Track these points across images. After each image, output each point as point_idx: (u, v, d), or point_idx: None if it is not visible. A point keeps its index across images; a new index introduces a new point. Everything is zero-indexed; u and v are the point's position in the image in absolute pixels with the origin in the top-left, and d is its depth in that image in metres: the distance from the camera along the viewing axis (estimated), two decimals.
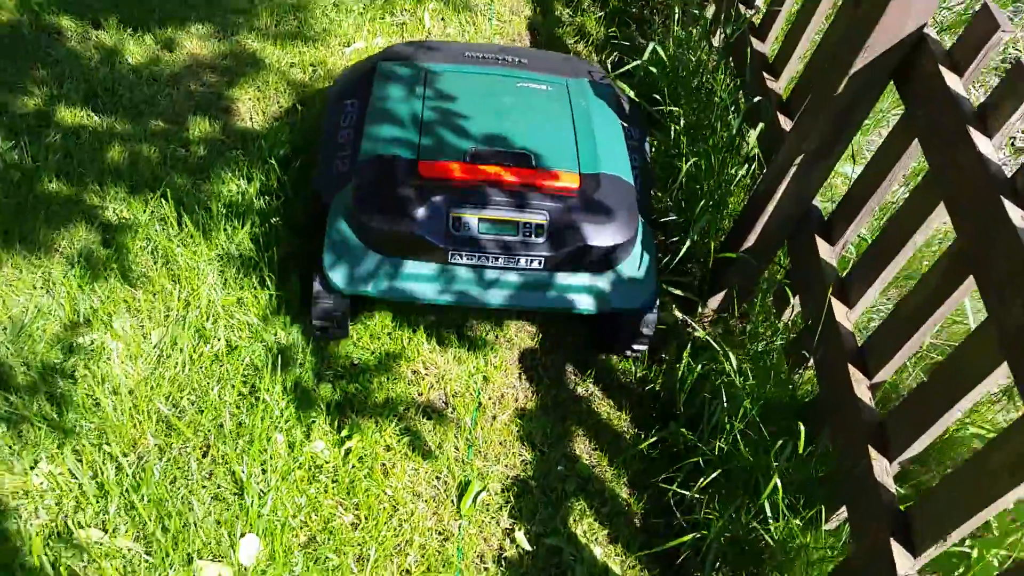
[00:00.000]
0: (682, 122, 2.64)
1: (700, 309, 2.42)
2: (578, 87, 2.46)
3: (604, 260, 2.11)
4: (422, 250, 2.04)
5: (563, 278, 2.12)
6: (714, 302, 2.43)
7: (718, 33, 3.01)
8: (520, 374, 2.32)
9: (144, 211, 2.51)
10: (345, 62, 3.18)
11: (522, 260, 2.06)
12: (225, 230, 2.45)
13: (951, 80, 1.65)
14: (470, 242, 2.03)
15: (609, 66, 3.33)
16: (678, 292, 2.37)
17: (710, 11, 3.20)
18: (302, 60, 3.16)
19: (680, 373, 2.16)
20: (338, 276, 2.06)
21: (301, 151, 2.74)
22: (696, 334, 2.22)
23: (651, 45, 2.55)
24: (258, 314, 2.29)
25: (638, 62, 2.58)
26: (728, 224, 2.49)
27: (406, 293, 2.08)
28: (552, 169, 2.13)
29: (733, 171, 2.54)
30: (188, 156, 2.74)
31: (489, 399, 2.25)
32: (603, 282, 2.14)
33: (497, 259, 2.05)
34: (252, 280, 2.34)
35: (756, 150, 2.37)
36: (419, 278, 2.08)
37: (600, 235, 2.07)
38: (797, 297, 2.16)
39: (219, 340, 2.23)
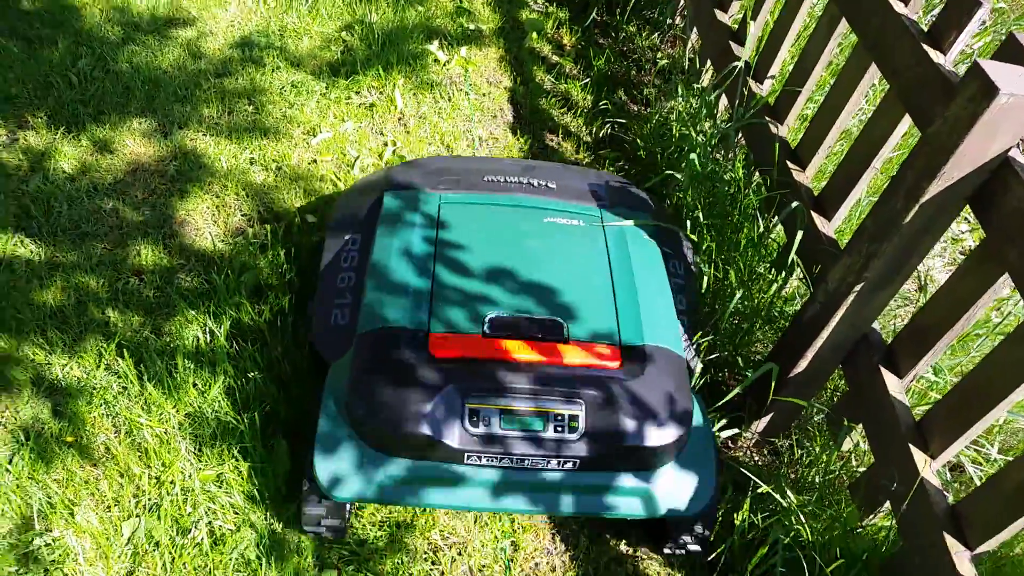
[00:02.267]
0: (701, 218, 2.39)
1: (744, 431, 2.18)
2: (614, 219, 2.12)
3: (652, 459, 1.74)
4: (432, 451, 1.69)
5: (601, 479, 1.75)
6: (759, 424, 2.18)
7: (717, 99, 2.77)
8: (553, 535, 2.04)
9: (97, 366, 2.17)
10: (312, 155, 2.85)
11: (552, 461, 1.70)
12: (195, 385, 2.13)
13: None
14: (490, 440, 1.68)
15: (600, 137, 3.07)
16: (723, 430, 2.11)
17: (706, 78, 2.96)
18: (263, 156, 2.83)
19: (739, 526, 1.91)
20: (331, 480, 1.72)
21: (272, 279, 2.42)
22: (746, 469, 1.96)
23: (692, 156, 2.27)
24: (243, 491, 1.97)
25: (657, 178, 2.31)
26: (765, 333, 2.26)
27: (413, 501, 1.75)
28: (588, 342, 1.79)
29: (761, 270, 2.30)
30: (142, 288, 2.39)
31: (521, 571, 1.96)
32: (650, 483, 1.76)
33: (522, 461, 1.70)
34: (232, 448, 2.02)
35: (795, 257, 2.12)
36: (428, 483, 1.75)
37: (647, 430, 1.69)
38: (865, 435, 1.91)
39: (201, 529, 1.90)
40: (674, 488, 1.78)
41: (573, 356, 1.76)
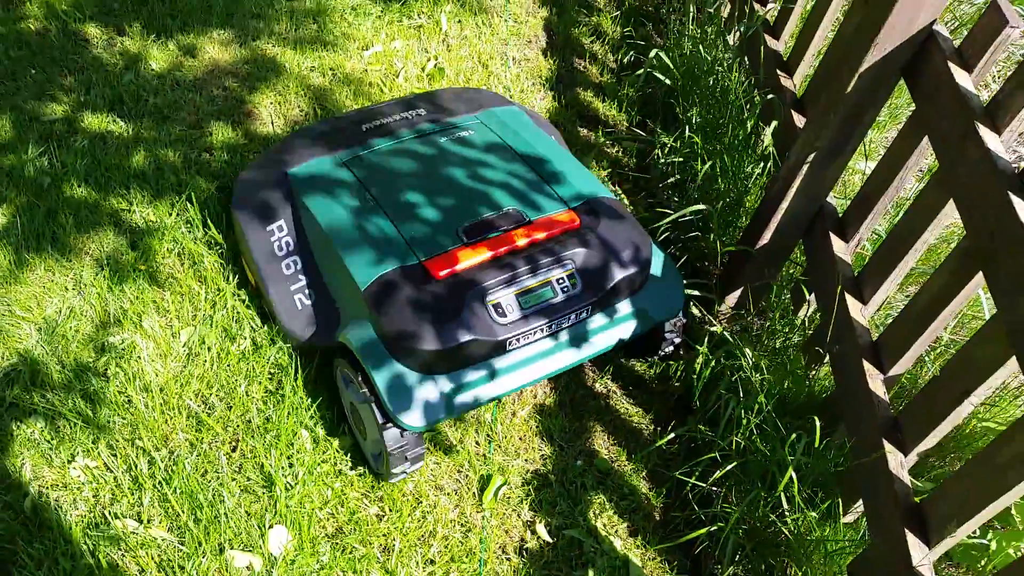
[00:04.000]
0: (695, 120, 2.67)
1: (717, 307, 2.46)
2: (492, 120, 2.42)
3: (638, 280, 2.09)
4: (481, 351, 1.90)
5: (609, 314, 2.08)
6: (731, 299, 2.46)
7: (733, 32, 3.04)
8: None
9: (170, 214, 2.58)
10: (364, 65, 3.23)
11: (572, 316, 1.98)
12: None
13: (960, 76, 1.68)
14: (519, 322, 1.91)
15: (624, 64, 3.37)
16: (695, 292, 2.40)
17: (725, 10, 3.23)
18: (321, 64, 3.22)
19: (697, 369, 2.19)
20: (413, 417, 1.84)
21: None
22: (713, 330, 2.25)
23: (653, 52, 2.58)
24: None
25: (641, 70, 2.61)
26: (745, 222, 2.53)
27: (485, 399, 1.93)
28: (545, 215, 2.07)
29: (749, 169, 2.57)
30: (211, 160, 2.80)
31: (508, 396, 2.29)
32: (643, 301, 2.13)
33: (550, 326, 1.96)
34: None
35: (771, 148, 2.39)
36: (489, 378, 1.94)
37: (626, 260, 2.05)
38: (813, 294, 2.18)
39: (245, 339, 2.28)
40: (658, 297, 2.15)
41: (542, 231, 2.03)
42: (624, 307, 2.11)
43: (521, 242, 2.00)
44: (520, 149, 2.29)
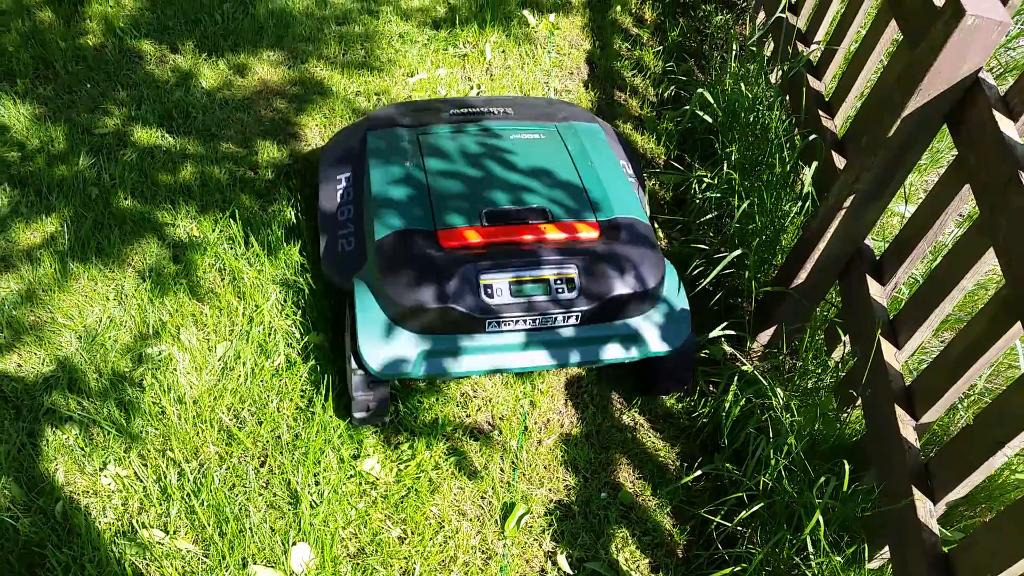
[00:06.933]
0: (734, 157, 2.68)
1: (749, 344, 2.44)
2: (568, 131, 2.50)
3: (638, 305, 2.10)
4: (459, 323, 1.99)
5: (601, 330, 2.09)
6: (763, 337, 2.44)
7: (776, 70, 3.05)
8: (566, 401, 2.36)
9: (213, 230, 2.63)
10: (408, 91, 3.29)
11: (559, 318, 2.02)
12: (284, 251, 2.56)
13: (1004, 125, 1.67)
14: (505, 308, 1.98)
15: (664, 98, 3.39)
16: (729, 332, 2.38)
17: (768, 48, 3.24)
18: (367, 89, 3.28)
19: (726, 406, 2.18)
20: (377, 361, 1.98)
21: None
22: (743, 368, 2.23)
23: (699, 91, 2.59)
24: (316, 332, 2.38)
25: (685, 107, 2.62)
26: (780, 260, 2.51)
27: (448, 370, 2.02)
28: (569, 220, 2.14)
29: (786, 207, 2.56)
30: (256, 179, 2.86)
31: (535, 424, 2.29)
32: (640, 327, 2.13)
33: (534, 321, 2.02)
34: (312, 300, 2.44)
35: (810, 188, 2.38)
36: (460, 352, 2.03)
37: (630, 281, 2.06)
38: (848, 336, 2.16)
39: (280, 356, 2.32)
40: (660, 329, 2.14)
41: (560, 232, 2.10)
42: (619, 329, 2.11)
43: (533, 236, 2.08)
44: (578, 159, 2.35)
